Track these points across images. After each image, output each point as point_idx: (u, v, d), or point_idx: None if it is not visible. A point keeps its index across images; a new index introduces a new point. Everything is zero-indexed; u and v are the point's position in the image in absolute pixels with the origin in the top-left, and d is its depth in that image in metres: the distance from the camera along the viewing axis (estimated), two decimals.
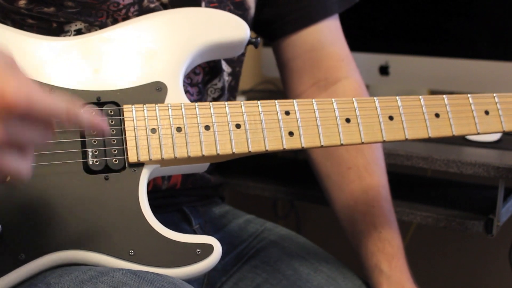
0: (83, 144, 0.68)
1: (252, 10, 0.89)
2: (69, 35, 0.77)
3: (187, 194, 0.89)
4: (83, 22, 0.77)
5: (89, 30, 0.77)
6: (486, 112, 0.79)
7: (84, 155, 0.67)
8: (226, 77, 0.90)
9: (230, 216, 0.97)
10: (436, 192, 1.22)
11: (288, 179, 1.26)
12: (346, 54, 0.95)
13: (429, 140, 0.78)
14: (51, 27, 0.77)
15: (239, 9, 0.87)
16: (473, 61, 1.29)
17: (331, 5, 0.93)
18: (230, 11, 0.85)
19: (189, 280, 0.68)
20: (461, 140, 1.15)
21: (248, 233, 0.94)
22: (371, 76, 1.37)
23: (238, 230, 0.94)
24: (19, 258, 0.63)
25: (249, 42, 0.79)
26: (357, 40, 1.23)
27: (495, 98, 0.81)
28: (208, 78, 0.87)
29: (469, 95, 0.80)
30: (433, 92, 1.43)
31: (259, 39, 0.81)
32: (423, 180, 1.34)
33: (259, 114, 0.73)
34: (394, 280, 0.82)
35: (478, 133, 0.79)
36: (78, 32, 0.77)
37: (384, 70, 1.36)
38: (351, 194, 0.88)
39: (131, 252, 0.66)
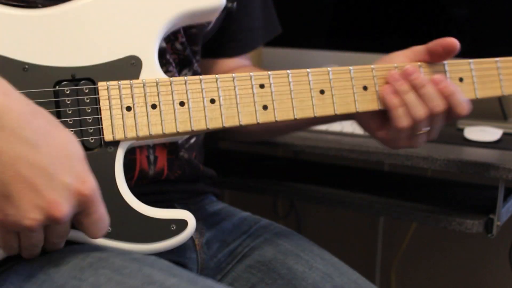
0: None
1: (211, 24, 0.93)
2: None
3: (177, 190, 0.89)
4: None
5: None
6: (460, 79, 0.83)
7: None
8: (198, 69, 0.92)
9: (224, 214, 0.97)
10: (436, 192, 1.22)
11: (288, 179, 1.26)
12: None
13: None
14: None
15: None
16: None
17: (258, 39, 1.07)
18: None
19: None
20: (461, 140, 1.15)
21: (242, 230, 0.94)
22: None
23: (231, 228, 0.94)
24: None
25: (225, 8, 0.81)
26: (357, 40, 1.23)
27: (470, 65, 0.84)
28: (179, 69, 0.89)
29: (444, 62, 0.83)
30: None
31: (235, 4, 0.83)
32: (423, 180, 1.34)
33: (234, 89, 0.74)
34: None
35: (503, 95, 0.83)
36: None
37: None
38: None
39: (108, 229, 0.67)
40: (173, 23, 0.76)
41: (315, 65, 0.82)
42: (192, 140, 0.91)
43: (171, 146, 0.84)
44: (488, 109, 1.41)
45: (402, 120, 0.78)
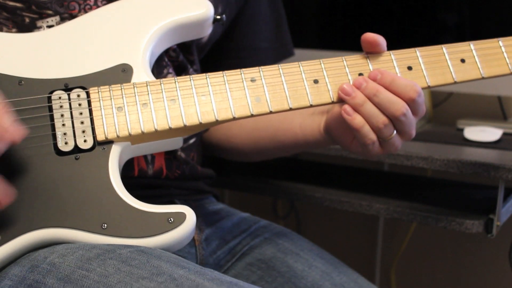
0: (53, 128, 0.70)
1: (205, 38, 0.92)
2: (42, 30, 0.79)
3: (177, 186, 0.89)
4: (54, 15, 0.79)
5: None
6: (462, 60, 0.79)
7: (54, 138, 0.70)
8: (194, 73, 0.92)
9: (224, 213, 0.97)
10: (436, 192, 1.22)
11: (288, 179, 1.26)
12: None
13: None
14: (24, 21, 0.79)
15: None
16: None
17: (265, 60, 1.04)
18: None
19: None
20: (461, 140, 1.15)
21: (241, 229, 0.94)
22: None
23: (230, 226, 0.94)
24: None
25: (215, 20, 0.80)
26: (357, 41, 1.23)
27: (471, 45, 0.80)
28: (177, 75, 0.89)
29: (442, 46, 0.79)
30: (433, 93, 1.43)
31: (224, 16, 0.82)
32: (423, 180, 1.34)
33: (224, 84, 0.74)
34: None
35: (455, 82, 0.78)
36: (50, 28, 0.79)
37: None
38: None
39: (104, 226, 0.67)
40: (163, 34, 0.77)
41: None
42: (191, 141, 0.91)
43: None
44: (488, 109, 1.41)
45: (368, 138, 0.74)
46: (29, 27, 0.79)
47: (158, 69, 0.84)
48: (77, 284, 0.61)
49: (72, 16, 0.79)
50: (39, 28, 0.79)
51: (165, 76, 0.85)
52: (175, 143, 0.77)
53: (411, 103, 0.73)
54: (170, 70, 0.86)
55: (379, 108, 0.73)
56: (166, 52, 0.86)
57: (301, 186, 1.20)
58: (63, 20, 0.79)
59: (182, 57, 0.89)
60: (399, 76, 0.75)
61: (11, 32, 0.78)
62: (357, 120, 0.73)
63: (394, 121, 0.73)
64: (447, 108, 1.45)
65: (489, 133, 1.13)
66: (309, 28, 1.40)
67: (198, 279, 0.61)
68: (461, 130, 1.20)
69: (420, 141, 1.16)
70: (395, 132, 0.74)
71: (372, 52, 0.77)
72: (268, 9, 1.04)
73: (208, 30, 0.81)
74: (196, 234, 0.87)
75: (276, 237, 0.92)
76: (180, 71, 0.89)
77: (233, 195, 1.79)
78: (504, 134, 1.17)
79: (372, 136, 0.73)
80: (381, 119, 0.73)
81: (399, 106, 0.72)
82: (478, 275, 1.55)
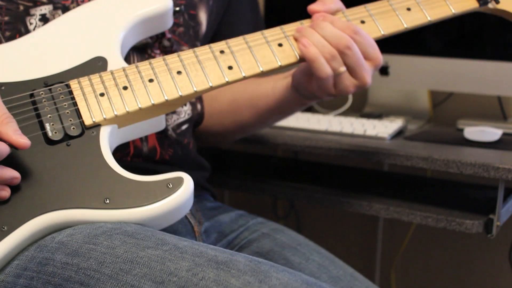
0: (41, 123, 0.72)
1: (203, 26, 0.98)
2: (35, 19, 0.83)
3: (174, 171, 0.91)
4: (47, 3, 0.83)
5: (53, 15, 0.83)
6: (408, 9, 0.86)
7: (43, 128, 0.72)
8: None
9: (222, 209, 0.99)
10: (436, 192, 1.22)
11: (288, 179, 1.26)
12: None
13: None
14: (18, 9, 0.82)
15: (191, 21, 0.96)
16: (473, 61, 1.29)
17: None
18: (184, 20, 0.94)
19: None
20: (461, 140, 1.15)
21: (239, 224, 0.96)
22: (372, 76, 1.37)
23: (228, 221, 0.96)
24: (2, 229, 0.66)
25: (174, 12, 0.87)
26: None
27: (366, 7, 0.86)
28: None
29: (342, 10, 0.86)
30: (433, 93, 1.43)
31: (182, 7, 0.91)
32: (423, 180, 1.34)
33: (196, 58, 0.79)
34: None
35: (406, 28, 0.86)
36: (43, 17, 0.83)
37: (384, 70, 1.36)
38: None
39: (107, 201, 0.69)
40: (131, 27, 0.82)
41: None
42: (184, 127, 0.94)
43: None
44: (488, 109, 1.41)
45: (322, 70, 0.81)
46: (22, 15, 0.82)
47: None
48: (85, 257, 0.63)
49: (65, 7, 0.83)
50: (32, 15, 0.82)
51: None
52: (159, 123, 0.82)
53: (354, 37, 0.81)
54: None
55: (327, 41, 0.81)
56: (160, 42, 0.91)
57: (301, 186, 1.20)
58: (56, 9, 0.82)
59: (176, 48, 0.92)
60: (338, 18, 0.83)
61: (4, 20, 0.81)
62: (312, 50, 0.80)
63: (341, 55, 0.80)
64: (447, 108, 1.45)
65: (489, 133, 1.13)
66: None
67: (202, 248, 0.64)
68: (461, 130, 1.20)
69: (420, 141, 1.17)
70: (345, 68, 0.81)
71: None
72: (249, 12, 1.09)
73: (170, 22, 0.86)
74: (196, 225, 0.89)
75: (274, 232, 0.93)
76: None
77: (233, 195, 1.79)
78: (504, 134, 1.17)
79: (327, 69, 0.80)
80: (328, 49, 0.80)
81: (343, 40, 0.80)
82: (478, 275, 1.55)
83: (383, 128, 1.19)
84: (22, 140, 0.66)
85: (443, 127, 1.35)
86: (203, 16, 0.98)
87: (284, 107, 0.95)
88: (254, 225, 0.96)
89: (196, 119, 1.00)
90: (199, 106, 1.00)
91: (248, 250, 0.90)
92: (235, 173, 1.28)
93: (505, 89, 1.28)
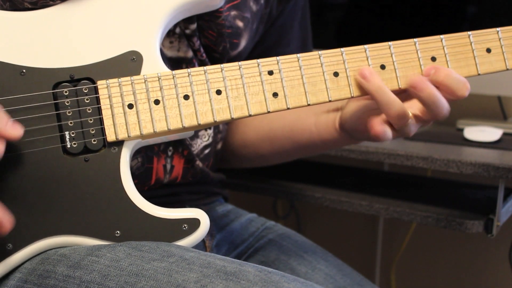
0: (60, 128, 0.66)
1: (238, 49, 0.90)
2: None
3: (189, 191, 0.89)
4: None
5: None
6: (488, 50, 0.75)
7: (62, 138, 0.66)
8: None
9: (233, 215, 0.98)
10: (436, 192, 1.22)
11: (288, 179, 1.26)
12: None
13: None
14: None
15: (232, 50, 0.87)
16: None
17: None
18: (224, 48, 0.85)
19: None
20: (461, 140, 1.15)
21: (249, 232, 0.95)
22: None
23: (240, 229, 0.95)
24: (7, 248, 0.64)
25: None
26: (357, 41, 1.23)
27: (499, 33, 0.75)
28: None
29: (469, 33, 0.75)
30: None
31: None
32: (423, 180, 1.34)
33: (241, 78, 0.70)
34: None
35: (479, 74, 0.76)
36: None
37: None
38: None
39: (117, 233, 0.65)
40: (174, 14, 0.72)
41: None
42: (207, 151, 0.90)
43: (188, 156, 0.83)
44: (488, 109, 1.41)
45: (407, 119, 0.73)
46: (22, 3, 0.72)
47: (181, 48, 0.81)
48: (87, 269, 0.62)
49: None
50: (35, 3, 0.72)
51: None
52: (186, 134, 0.75)
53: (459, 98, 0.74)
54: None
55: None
56: (195, 56, 0.83)
57: (301, 186, 1.20)
58: None
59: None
60: (451, 71, 0.73)
61: (4, 7, 0.72)
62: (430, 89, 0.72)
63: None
64: None
65: (489, 133, 1.13)
66: (326, 28, 1.40)
67: (209, 258, 0.62)
68: (461, 130, 1.20)
69: (420, 141, 1.16)
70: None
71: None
72: (298, 26, 1.02)
73: (219, 2, 0.75)
74: (208, 241, 0.87)
75: (280, 239, 0.92)
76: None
77: (234, 195, 1.79)
78: (504, 134, 1.17)
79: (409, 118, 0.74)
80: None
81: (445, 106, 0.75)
82: (478, 275, 1.55)
83: None
84: (14, 132, 0.59)
85: (443, 127, 1.35)
86: (243, 42, 0.90)
87: (331, 145, 0.88)
88: (262, 232, 0.94)
89: (218, 141, 0.94)
90: (221, 127, 0.94)
91: (254, 259, 0.89)
92: (235, 173, 1.28)
93: (505, 89, 1.28)
